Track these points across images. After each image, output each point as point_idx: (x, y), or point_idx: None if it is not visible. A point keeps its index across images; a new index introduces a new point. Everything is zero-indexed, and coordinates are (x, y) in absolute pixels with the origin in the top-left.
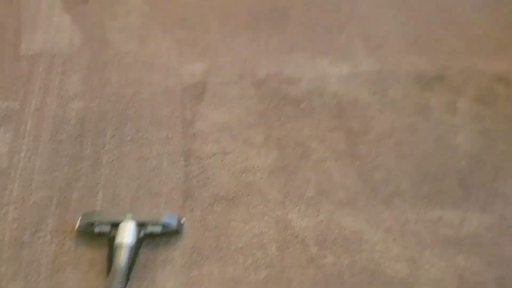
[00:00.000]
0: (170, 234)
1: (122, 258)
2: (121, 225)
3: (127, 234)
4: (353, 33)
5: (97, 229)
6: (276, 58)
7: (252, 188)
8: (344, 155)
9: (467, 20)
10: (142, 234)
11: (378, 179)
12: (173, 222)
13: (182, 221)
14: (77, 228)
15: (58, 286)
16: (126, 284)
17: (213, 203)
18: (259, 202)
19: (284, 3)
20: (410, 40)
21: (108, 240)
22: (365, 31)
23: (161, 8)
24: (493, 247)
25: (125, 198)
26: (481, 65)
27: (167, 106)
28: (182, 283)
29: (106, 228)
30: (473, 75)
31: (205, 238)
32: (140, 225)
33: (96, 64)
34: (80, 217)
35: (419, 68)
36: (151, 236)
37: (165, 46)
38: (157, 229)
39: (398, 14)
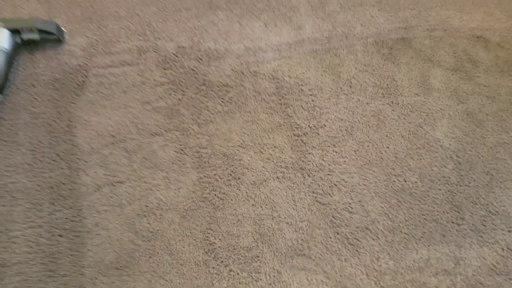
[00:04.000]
0: (52, 41)
1: None
2: None
3: (1, 40)
4: None
5: None
6: (189, 20)
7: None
8: (293, 170)
9: None
10: (19, 40)
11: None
12: (50, 28)
13: (63, 28)
14: None
15: None
16: (5, 85)
17: None
18: None
19: None
20: None
21: None
22: None
23: None
24: None
25: None
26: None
27: (36, 106)
28: None
29: None
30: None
31: None
32: (15, 32)
33: None
34: None
35: (380, 28)
36: (32, 42)
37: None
38: (35, 36)
39: None
